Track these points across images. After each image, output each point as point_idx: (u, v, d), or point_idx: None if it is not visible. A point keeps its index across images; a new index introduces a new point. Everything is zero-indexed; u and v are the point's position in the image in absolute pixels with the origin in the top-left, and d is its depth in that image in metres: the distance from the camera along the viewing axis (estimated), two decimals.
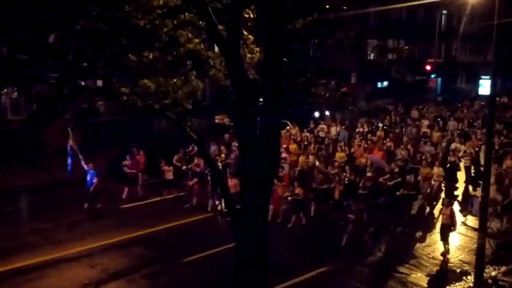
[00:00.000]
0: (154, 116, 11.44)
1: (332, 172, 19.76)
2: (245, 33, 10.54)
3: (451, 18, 52.92)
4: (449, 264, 15.39)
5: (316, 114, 34.77)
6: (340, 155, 23.20)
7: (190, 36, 10.29)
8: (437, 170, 20.39)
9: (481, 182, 21.53)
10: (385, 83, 48.57)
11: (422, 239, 17.23)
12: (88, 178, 18.55)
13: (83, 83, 12.37)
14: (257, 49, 10.70)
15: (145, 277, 14.55)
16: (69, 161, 19.56)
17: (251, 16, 10.40)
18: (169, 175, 20.39)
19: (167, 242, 16.82)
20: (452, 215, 15.88)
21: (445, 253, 15.78)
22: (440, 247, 16.23)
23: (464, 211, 19.50)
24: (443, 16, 51.20)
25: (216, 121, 31.25)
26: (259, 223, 9.83)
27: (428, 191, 20.23)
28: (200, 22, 9.92)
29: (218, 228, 17.06)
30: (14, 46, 10.12)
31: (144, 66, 10.24)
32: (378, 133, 27.34)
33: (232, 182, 17.77)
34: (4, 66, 9.60)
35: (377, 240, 16.78)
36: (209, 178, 19.33)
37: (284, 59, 9.43)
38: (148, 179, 21.24)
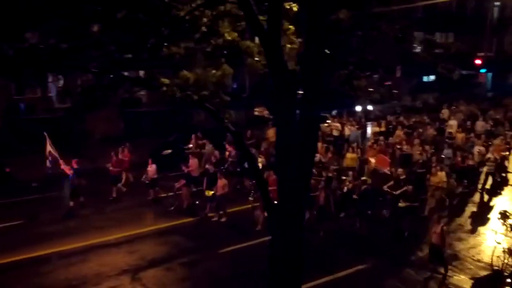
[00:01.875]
0: (193, 107, 11.46)
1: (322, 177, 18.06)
2: (286, 23, 10.36)
3: (504, 10, 50.98)
4: (495, 268, 14.69)
5: (358, 108, 34.26)
6: (351, 156, 21.47)
7: (229, 26, 10.18)
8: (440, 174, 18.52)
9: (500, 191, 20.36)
10: (432, 77, 47.31)
11: (466, 241, 16.64)
12: (70, 176, 18.45)
13: (126, 74, 12.51)
14: (298, 40, 10.50)
15: (182, 266, 14.70)
16: (48, 164, 19.18)
17: (293, 8, 10.22)
18: (152, 174, 19.61)
19: (204, 233, 16.92)
20: (442, 234, 14.01)
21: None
22: (485, 249, 15.69)
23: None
24: (495, 8, 49.41)
25: (256, 113, 31.16)
26: (296, 218, 9.69)
27: (434, 204, 18.10)
28: (240, 12, 9.79)
29: (254, 221, 17.00)
30: (58, 36, 10.29)
31: (183, 57, 10.20)
32: (397, 132, 25.35)
33: (221, 183, 17.51)
34: (48, 54, 9.76)
35: (420, 239, 16.35)
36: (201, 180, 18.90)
37: (326, 51, 9.22)
38: (133, 179, 20.80)
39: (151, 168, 19.52)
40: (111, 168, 19.95)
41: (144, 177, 19.66)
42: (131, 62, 10.96)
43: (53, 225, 17.19)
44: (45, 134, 19.00)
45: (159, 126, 29.31)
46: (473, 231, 17.50)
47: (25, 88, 27.91)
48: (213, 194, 17.77)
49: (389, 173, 19.05)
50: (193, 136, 23.37)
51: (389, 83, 37.72)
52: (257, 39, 10.11)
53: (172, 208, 18.72)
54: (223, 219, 17.76)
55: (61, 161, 18.65)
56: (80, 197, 18.60)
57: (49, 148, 18.95)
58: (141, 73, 18.25)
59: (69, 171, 18.40)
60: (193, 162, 19.67)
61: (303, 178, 9.64)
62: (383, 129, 26.99)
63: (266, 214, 16.06)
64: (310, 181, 10.81)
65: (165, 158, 22.34)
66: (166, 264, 14.73)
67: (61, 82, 28.12)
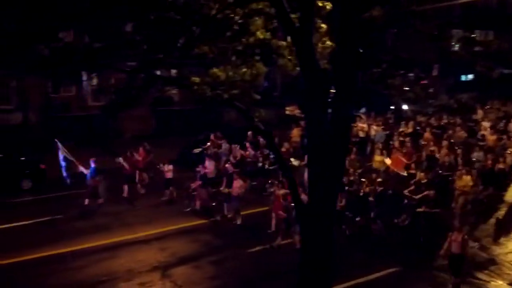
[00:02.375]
0: (223, 105, 11.44)
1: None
2: (318, 21, 10.23)
3: None
4: None
5: (392, 107, 33.68)
6: (379, 159, 20.73)
7: (261, 25, 10.10)
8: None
9: None
10: (470, 76, 46.06)
11: (505, 246, 15.99)
12: (88, 175, 18.44)
13: (158, 73, 12.58)
14: (329, 41, 10.35)
15: (211, 264, 14.70)
16: (64, 173, 19.14)
17: (326, 6, 10.08)
18: (169, 174, 19.48)
19: (233, 232, 16.88)
20: (463, 243, 12.91)
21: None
22: None
23: None
24: None
25: (287, 112, 30.99)
26: (326, 218, 9.56)
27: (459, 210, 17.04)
28: (271, 11, 9.70)
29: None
30: (92, 35, 10.41)
31: (214, 56, 10.18)
32: (426, 135, 24.01)
33: (238, 183, 17.19)
34: (82, 53, 9.87)
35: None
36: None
37: (359, 49, 9.05)
38: (148, 178, 20.60)
39: (168, 168, 19.32)
40: (126, 166, 19.70)
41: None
42: (163, 61, 11.01)
43: (85, 221, 17.46)
44: (56, 140, 19.03)
45: (190, 125, 29.48)
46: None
47: (60, 86, 28.40)
48: (228, 193, 17.56)
49: (404, 175, 18.38)
50: (212, 136, 23.17)
51: (425, 82, 36.89)
52: (289, 38, 10.01)
53: (189, 209, 18.43)
54: (238, 221, 17.35)
55: (77, 162, 18.70)
56: (98, 196, 18.65)
57: (63, 153, 18.94)
58: (173, 72, 18.40)
59: (85, 171, 18.43)
60: (209, 163, 19.43)
61: (334, 179, 9.50)
62: (410, 130, 25.83)
63: (277, 216, 16.02)
64: (341, 182, 10.66)
65: (195, 156, 22.45)
66: (195, 262, 14.76)
67: (95, 81, 28.53)
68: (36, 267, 14.31)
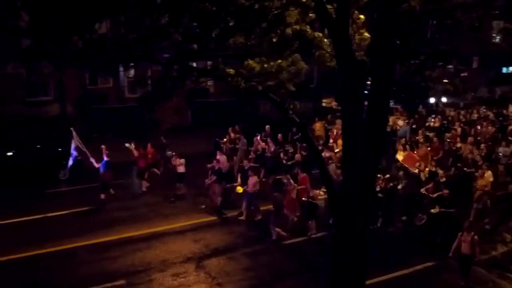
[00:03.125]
0: (258, 97, 11.37)
1: None
2: (356, 12, 10.03)
3: None
4: None
5: (431, 100, 33.01)
6: (401, 155, 19.99)
7: (297, 16, 9.96)
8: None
9: None
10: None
11: None
12: (101, 169, 18.28)
13: (194, 64, 12.59)
14: (366, 33, 10.13)
15: (245, 256, 14.77)
16: (70, 162, 19.18)
17: None
18: (181, 169, 19.06)
19: (268, 224, 16.80)
20: (473, 243, 12.72)
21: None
22: None
23: None
24: None
25: (323, 104, 30.74)
26: (360, 211, 9.41)
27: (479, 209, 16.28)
28: (308, 1, 9.55)
29: (320, 214, 16.72)
30: (127, 27, 10.46)
31: (249, 47, 10.11)
32: (452, 130, 23.28)
33: (253, 180, 16.83)
34: (116, 45, 9.94)
35: (492, 238, 15.51)
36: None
37: (396, 41, 8.84)
38: (159, 174, 20.33)
39: (179, 162, 18.98)
40: (134, 152, 19.44)
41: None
42: (198, 53, 10.99)
43: (121, 212, 17.70)
44: (72, 129, 19.01)
45: (226, 116, 29.53)
46: None
47: (97, 78, 28.81)
48: (244, 191, 17.16)
49: (415, 172, 17.82)
50: (230, 129, 22.78)
51: (465, 74, 35.99)
52: (326, 29, 9.86)
53: (203, 207, 18.10)
54: (258, 217, 17.15)
55: (88, 155, 18.70)
56: (109, 189, 18.60)
57: (76, 143, 18.95)
58: (208, 64, 18.37)
59: (97, 165, 18.35)
60: (222, 158, 18.97)
61: (369, 172, 9.34)
62: (436, 124, 25.09)
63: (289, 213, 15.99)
64: (376, 175, 10.49)
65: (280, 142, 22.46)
66: (229, 254, 14.84)
67: (132, 73, 28.82)
68: (72, 257, 14.62)
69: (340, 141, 21.33)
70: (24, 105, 27.12)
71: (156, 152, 20.62)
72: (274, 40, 10.22)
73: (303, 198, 16.32)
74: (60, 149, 20.24)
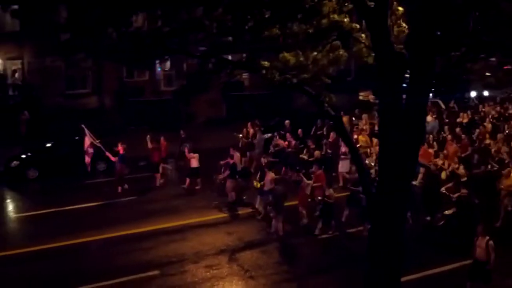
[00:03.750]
0: (293, 90, 11.23)
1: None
2: (394, 3, 9.78)
3: None
4: None
5: (473, 94, 32.12)
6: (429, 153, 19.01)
7: (334, 6, 9.77)
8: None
9: None
10: None
11: None
12: (116, 162, 18.49)
13: (229, 57, 12.54)
14: (405, 24, 9.87)
15: (278, 249, 14.66)
16: (87, 159, 18.84)
17: None
18: (194, 163, 18.89)
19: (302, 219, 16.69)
20: (488, 249, 11.61)
21: None
22: None
23: None
24: None
25: (360, 97, 30.31)
26: (397, 207, 9.20)
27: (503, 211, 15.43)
28: None
29: (356, 209, 16.46)
30: (164, 19, 10.47)
31: (285, 39, 9.98)
32: (482, 127, 22.36)
33: (269, 177, 16.25)
34: (151, 38, 9.96)
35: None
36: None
37: (437, 32, 8.57)
38: (170, 168, 20.22)
39: (192, 157, 18.83)
40: (149, 145, 19.50)
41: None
42: (233, 45, 10.93)
43: (157, 203, 17.88)
44: (83, 126, 18.93)
45: (261, 110, 29.46)
46: None
47: (134, 71, 29.15)
48: (260, 187, 16.67)
49: (431, 167, 16.98)
50: (249, 124, 22.37)
51: (509, 67, 34.91)
52: (363, 21, 9.65)
53: (217, 202, 17.75)
54: (272, 214, 16.15)
55: (104, 149, 18.79)
56: (124, 183, 18.68)
57: (90, 139, 18.81)
58: (243, 56, 18.31)
59: (113, 158, 18.46)
60: (235, 154, 18.33)
61: (406, 168, 9.12)
62: (465, 120, 24.10)
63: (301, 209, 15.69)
64: (414, 170, 10.24)
65: (266, 141, 22.40)
66: (262, 247, 14.77)
67: (168, 66, 29.08)
68: (107, 247, 14.84)
69: (360, 137, 21.04)
70: (63, 98, 27.67)
71: (167, 146, 20.41)
72: (310, 31, 10.06)
73: (319, 197, 15.67)
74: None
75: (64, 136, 21.20)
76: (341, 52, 10.40)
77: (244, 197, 17.92)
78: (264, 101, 30.21)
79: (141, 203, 17.97)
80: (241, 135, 22.04)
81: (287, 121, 22.67)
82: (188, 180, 19.06)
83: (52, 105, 26.76)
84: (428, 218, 16.16)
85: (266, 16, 9.88)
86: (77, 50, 10.58)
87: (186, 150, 19.12)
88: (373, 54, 9.39)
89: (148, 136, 19.71)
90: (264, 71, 9.76)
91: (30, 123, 26.14)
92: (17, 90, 27.80)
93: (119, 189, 18.55)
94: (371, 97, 28.46)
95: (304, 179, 16.25)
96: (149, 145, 19.46)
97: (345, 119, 23.30)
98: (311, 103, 10.50)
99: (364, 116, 23.75)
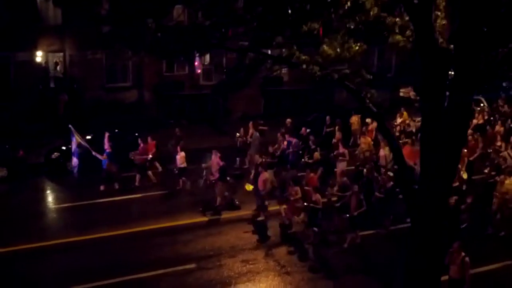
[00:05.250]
0: (333, 85, 11.08)
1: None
2: None
3: None
4: None
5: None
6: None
7: (375, 1, 9.61)
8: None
9: None
10: None
11: None
12: (104, 161, 17.96)
13: (269, 52, 12.48)
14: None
15: (315, 247, 14.53)
16: (74, 161, 18.46)
17: None
18: (180, 162, 18.23)
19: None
20: (463, 266, 10.72)
21: None
22: None
23: None
24: None
25: (401, 94, 29.76)
26: (437, 206, 9.01)
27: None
28: None
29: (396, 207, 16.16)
30: (205, 13, 10.51)
31: (325, 34, 9.88)
32: (497, 127, 21.00)
33: (262, 177, 15.78)
34: (192, 32, 10.01)
35: None
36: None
37: (483, 27, 8.32)
38: (159, 168, 19.46)
39: (180, 156, 18.22)
40: (137, 157, 18.95)
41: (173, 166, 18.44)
42: (273, 40, 10.89)
43: (192, 197, 17.86)
44: (70, 126, 18.50)
45: (299, 105, 29.28)
46: None
47: (174, 66, 29.34)
48: (253, 189, 16.16)
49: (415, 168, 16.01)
50: (250, 123, 21.19)
51: None
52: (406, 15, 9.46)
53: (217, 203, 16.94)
54: (261, 217, 16.00)
55: (91, 149, 18.24)
56: (114, 182, 18.38)
57: (78, 140, 18.39)
58: (283, 51, 18.14)
59: (101, 157, 18.04)
60: (214, 155, 17.49)
61: (448, 167, 8.92)
62: (481, 121, 22.73)
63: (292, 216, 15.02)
64: (456, 168, 9.99)
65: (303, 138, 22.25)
66: (299, 243, 14.70)
67: (207, 60, 29.16)
68: (145, 239, 15.02)
69: (362, 139, 20.35)
70: (104, 91, 28.09)
71: (154, 145, 19.44)
72: (351, 26, 9.93)
73: (305, 203, 14.89)
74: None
75: (104, 129, 21.49)
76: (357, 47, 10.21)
77: (236, 202, 17.10)
78: (302, 96, 30.01)
79: (176, 196, 18.04)
80: (238, 134, 21.10)
81: (288, 120, 21.71)
82: (181, 180, 18.55)
83: (93, 98, 27.19)
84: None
85: (307, 10, 9.80)
86: (118, 42, 10.72)
87: (178, 149, 18.45)
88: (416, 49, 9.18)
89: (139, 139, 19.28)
90: (304, 66, 9.67)
91: (68, 105, 26.64)
92: (59, 82, 28.35)
93: (102, 187, 18.11)
94: (412, 94, 27.84)
95: (291, 183, 15.46)
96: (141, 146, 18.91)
97: (355, 118, 23.04)
98: (351, 99, 10.37)
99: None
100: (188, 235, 15.17)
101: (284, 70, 26.66)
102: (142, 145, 19.10)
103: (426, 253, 9.23)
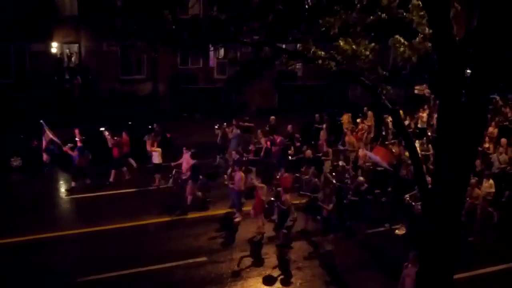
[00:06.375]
0: (347, 82, 11.00)
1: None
2: None
3: None
4: None
5: None
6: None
7: None
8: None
9: None
10: None
11: None
12: (74, 156, 17.64)
13: (284, 47, 12.41)
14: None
15: (326, 242, 14.35)
16: (45, 157, 18.18)
17: None
18: (156, 158, 17.96)
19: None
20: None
21: None
22: None
23: None
24: None
25: (416, 91, 29.53)
26: (451, 205, 8.91)
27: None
28: None
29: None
30: (221, 6, 10.47)
31: (341, 29, 9.79)
32: (490, 129, 20.25)
33: (237, 176, 15.38)
34: (208, 24, 9.99)
35: None
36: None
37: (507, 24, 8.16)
38: (134, 165, 19.27)
39: (156, 153, 17.94)
40: (109, 141, 18.45)
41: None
42: (288, 34, 10.83)
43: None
44: (42, 122, 18.14)
45: (313, 101, 29.19)
46: None
47: (188, 59, 29.40)
48: (230, 188, 15.85)
49: (390, 169, 16.15)
50: (234, 120, 20.80)
51: None
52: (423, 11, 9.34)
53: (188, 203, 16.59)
54: (237, 218, 15.68)
55: (62, 145, 18.05)
56: (86, 178, 18.17)
57: (49, 135, 18.07)
58: (298, 46, 18.01)
59: (72, 153, 17.74)
60: (185, 154, 17.07)
61: (464, 165, 8.80)
62: None
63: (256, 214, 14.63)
64: (472, 167, 9.87)
65: (316, 134, 22.20)
66: (310, 239, 14.67)
67: (222, 54, 29.19)
68: (157, 231, 15.17)
69: (347, 138, 19.96)
70: (118, 83, 28.24)
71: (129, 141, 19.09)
72: (368, 21, 9.84)
73: (272, 199, 14.73)
74: (150, 126, 20.74)
75: (118, 121, 21.56)
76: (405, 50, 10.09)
77: (208, 200, 16.97)
78: (317, 92, 29.91)
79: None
80: (216, 128, 20.60)
81: (272, 117, 21.20)
82: (155, 176, 18.26)
83: (107, 90, 27.35)
84: (387, 225, 15.34)
85: (323, 4, 9.74)
86: (133, 34, 10.72)
87: (148, 144, 18.15)
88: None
89: (107, 132, 18.81)
90: (320, 61, 9.60)
91: (82, 88, 26.78)
92: (73, 74, 28.54)
93: (74, 184, 17.93)
94: (427, 91, 27.66)
95: (257, 183, 15.14)
96: (110, 141, 18.47)
97: (346, 117, 22.62)
98: (365, 96, 10.28)
99: (370, 113, 22.91)
100: (200, 228, 15.20)
101: (298, 65, 26.54)
102: (114, 140, 18.56)
103: (441, 252, 9.14)
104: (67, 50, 29.22)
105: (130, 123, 20.75)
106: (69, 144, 18.12)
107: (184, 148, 17.38)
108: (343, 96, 29.64)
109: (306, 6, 9.71)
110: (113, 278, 12.54)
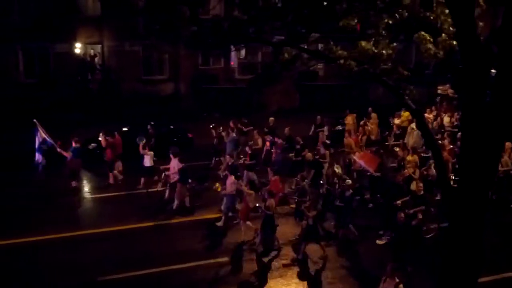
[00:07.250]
0: (368, 82, 10.91)
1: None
2: None
3: None
4: None
5: None
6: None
7: None
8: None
9: None
10: None
11: None
12: (68, 158, 17.51)
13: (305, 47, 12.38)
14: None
15: (347, 243, 14.42)
16: (38, 157, 18.01)
17: None
18: (147, 161, 17.66)
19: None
20: None
21: None
22: None
23: None
24: None
25: (439, 91, 29.20)
26: (478, 207, 8.77)
27: None
28: None
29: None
30: (242, 7, 10.48)
31: (362, 29, 9.72)
32: None
33: (230, 180, 15.21)
34: (229, 25, 10.01)
35: None
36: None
37: None
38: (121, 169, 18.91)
39: (147, 156, 17.69)
40: (102, 143, 18.49)
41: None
42: (310, 34, 10.79)
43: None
44: (35, 121, 17.92)
45: (334, 101, 29.05)
46: None
47: (209, 59, 29.50)
48: (221, 191, 15.60)
49: (376, 175, 15.93)
50: (231, 122, 20.60)
51: None
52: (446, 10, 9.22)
53: (174, 207, 16.41)
54: (220, 223, 15.36)
55: (56, 145, 17.78)
56: (76, 178, 18.02)
57: (43, 135, 17.88)
58: (319, 46, 17.90)
59: (66, 154, 17.50)
60: (173, 159, 16.71)
61: (488, 166, 8.66)
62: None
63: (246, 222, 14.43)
64: (496, 168, 9.70)
65: (337, 134, 22.11)
66: (332, 240, 14.57)
67: (243, 54, 29.23)
68: (179, 231, 15.21)
69: (345, 140, 19.87)
70: (141, 83, 28.46)
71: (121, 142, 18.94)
72: (390, 22, 9.74)
73: (257, 206, 14.59)
74: (172, 127, 20.85)
75: (139, 121, 21.71)
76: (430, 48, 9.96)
77: (197, 204, 16.83)
78: (338, 92, 29.77)
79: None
80: (211, 127, 20.41)
81: (271, 118, 20.94)
82: (142, 179, 18.06)
83: (129, 90, 27.59)
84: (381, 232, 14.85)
85: (344, 5, 9.68)
86: (154, 34, 10.79)
87: (141, 146, 17.75)
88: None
89: (101, 132, 18.74)
90: (341, 61, 9.54)
91: (104, 88, 27.05)
92: (96, 74, 28.85)
93: (73, 183, 17.83)
94: (450, 91, 27.33)
95: (245, 188, 14.90)
96: (103, 142, 18.47)
97: (350, 117, 22.58)
98: (387, 95, 10.18)
99: (374, 115, 22.68)
100: (222, 228, 15.21)
101: (319, 65, 26.47)
102: (107, 141, 18.50)
103: (465, 253, 9.01)
104: (92, 51, 29.53)
105: (152, 123, 20.86)
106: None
107: (170, 154, 16.91)
108: (364, 96, 29.44)
109: (327, 6, 9.63)
110: (136, 277, 12.63)
